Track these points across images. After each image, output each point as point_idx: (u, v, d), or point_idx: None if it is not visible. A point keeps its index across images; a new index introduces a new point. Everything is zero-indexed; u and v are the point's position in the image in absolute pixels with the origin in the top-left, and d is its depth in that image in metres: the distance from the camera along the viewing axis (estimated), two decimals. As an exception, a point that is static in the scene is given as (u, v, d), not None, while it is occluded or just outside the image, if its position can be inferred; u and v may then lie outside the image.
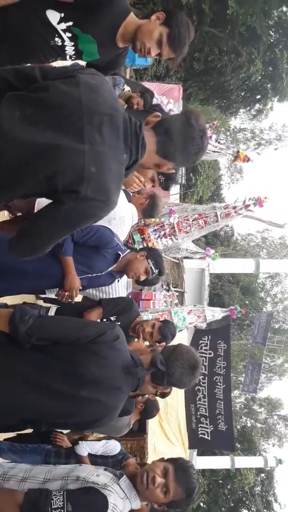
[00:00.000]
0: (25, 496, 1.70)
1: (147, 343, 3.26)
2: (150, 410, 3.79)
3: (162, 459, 2.09)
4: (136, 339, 3.25)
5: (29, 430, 2.37)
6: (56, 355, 1.76)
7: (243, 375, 21.32)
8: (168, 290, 9.61)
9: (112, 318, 3.04)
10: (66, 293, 2.80)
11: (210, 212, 6.01)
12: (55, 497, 1.70)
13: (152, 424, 6.66)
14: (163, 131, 1.67)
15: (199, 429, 8.74)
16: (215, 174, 21.33)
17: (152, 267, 3.14)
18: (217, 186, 22.98)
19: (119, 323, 3.00)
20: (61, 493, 1.74)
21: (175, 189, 13.20)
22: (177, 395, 7.33)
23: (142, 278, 3.16)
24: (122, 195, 3.46)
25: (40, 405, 1.77)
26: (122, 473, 2.00)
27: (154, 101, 6.15)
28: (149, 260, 3.14)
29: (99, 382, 1.79)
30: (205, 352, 9.02)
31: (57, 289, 2.91)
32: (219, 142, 6.61)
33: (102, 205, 1.60)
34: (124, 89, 4.90)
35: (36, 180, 1.53)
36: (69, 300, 2.87)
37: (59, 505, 1.69)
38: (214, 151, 6.47)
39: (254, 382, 19.00)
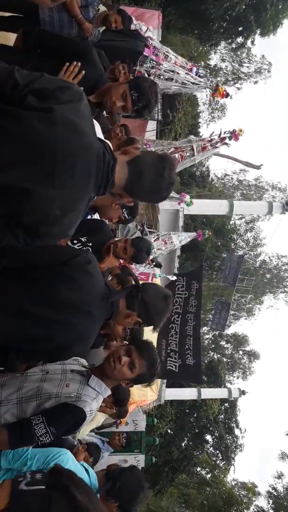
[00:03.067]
0: (8, 433, 1.82)
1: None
2: None
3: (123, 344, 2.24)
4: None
5: None
6: (27, 279, 1.76)
7: (212, 313, 22.10)
8: (142, 231, 9.57)
9: (83, 239, 2.96)
10: None
11: (186, 146, 5.88)
12: (37, 426, 1.83)
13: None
14: (136, 172, 1.69)
15: (168, 362, 9.16)
16: (194, 110, 20.63)
17: (126, 215, 3.15)
18: (195, 124, 22.35)
19: (90, 244, 2.97)
20: (40, 419, 1.85)
21: (151, 126, 12.72)
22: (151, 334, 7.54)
23: (113, 226, 3.17)
24: (97, 129, 3.27)
25: (11, 327, 1.74)
26: (89, 372, 2.12)
27: (132, 27, 5.72)
28: (123, 210, 3.13)
29: (70, 305, 1.79)
30: (181, 293, 9.29)
31: None
32: (199, 76, 6.30)
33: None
34: (99, 9, 4.49)
35: None
36: None
37: (43, 431, 1.83)
38: (193, 83, 6.19)
39: (223, 319, 19.74)
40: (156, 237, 7.35)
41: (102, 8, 4.37)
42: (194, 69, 6.31)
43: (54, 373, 2.11)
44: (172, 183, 1.75)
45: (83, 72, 2.62)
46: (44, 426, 1.86)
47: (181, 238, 8.11)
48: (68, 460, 2.14)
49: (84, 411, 1.96)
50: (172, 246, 7.82)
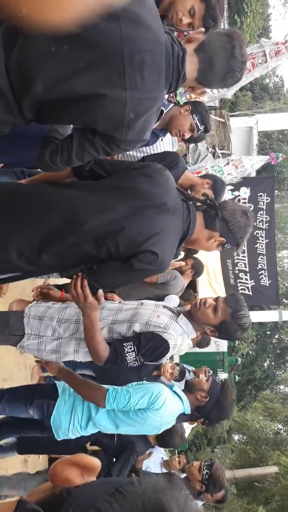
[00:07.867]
0: (109, 353, 2.01)
1: None
2: (197, 269, 4.36)
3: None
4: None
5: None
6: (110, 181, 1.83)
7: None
8: (214, 153, 9.09)
9: None
10: None
11: (257, 51, 5.32)
12: (128, 354, 2.01)
13: (202, 282, 6.91)
14: (207, 59, 1.61)
15: (239, 284, 8.48)
16: (264, 11, 18.50)
17: (198, 122, 2.93)
18: (266, 27, 20.10)
19: None
20: (132, 348, 2.02)
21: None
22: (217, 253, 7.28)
23: (187, 135, 2.96)
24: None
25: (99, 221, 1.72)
26: (179, 311, 2.25)
27: None
28: (194, 115, 2.92)
29: (148, 197, 1.76)
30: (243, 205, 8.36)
31: None
32: None
33: (136, 144, 1.66)
34: None
35: (73, 120, 1.56)
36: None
37: (133, 359, 2.02)
38: None
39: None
40: (226, 162, 6.95)
41: None
42: None
43: (148, 304, 2.26)
44: (245, 61, 1.65)
45: None
46: (135, 354, 2.02)
47: (253, 162, 7.50)
48: (166, 399, 2.27)
49: (169, 343, 2.05)
50: (244, 171, 7.31)
